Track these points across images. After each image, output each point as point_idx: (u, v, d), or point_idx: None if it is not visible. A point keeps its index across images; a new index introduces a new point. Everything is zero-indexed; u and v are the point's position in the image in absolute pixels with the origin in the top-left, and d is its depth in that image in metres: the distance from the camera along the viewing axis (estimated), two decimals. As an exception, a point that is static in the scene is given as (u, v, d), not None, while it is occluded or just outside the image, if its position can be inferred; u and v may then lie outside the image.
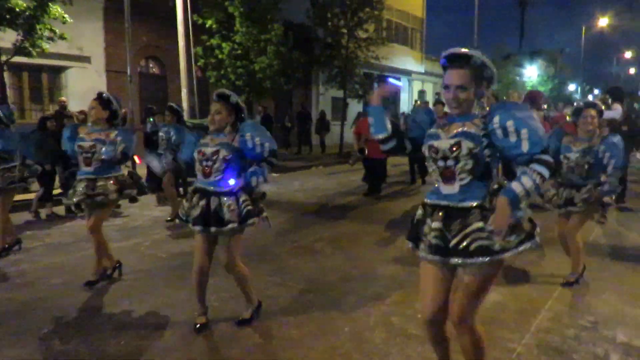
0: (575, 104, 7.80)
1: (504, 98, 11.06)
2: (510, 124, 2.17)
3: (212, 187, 3.31)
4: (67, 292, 4.22)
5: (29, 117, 12.45)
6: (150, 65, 15.81)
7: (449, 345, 2.58)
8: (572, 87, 43.03)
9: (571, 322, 3.63)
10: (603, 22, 40.16)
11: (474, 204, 2.24)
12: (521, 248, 2.23)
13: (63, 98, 9.56)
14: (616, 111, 7.56)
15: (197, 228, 3.30)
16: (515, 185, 2.16)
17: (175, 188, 7.43)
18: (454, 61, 2.30)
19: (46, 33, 8.90)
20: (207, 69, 14.12)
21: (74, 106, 10.32)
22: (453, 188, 2.28)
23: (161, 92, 15.49)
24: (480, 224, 2.20)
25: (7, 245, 5.31)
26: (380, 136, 2.53)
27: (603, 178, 4.15)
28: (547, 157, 2.17)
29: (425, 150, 2.39)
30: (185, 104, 12.44)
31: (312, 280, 4.57)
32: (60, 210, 7.54)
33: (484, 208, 2.23)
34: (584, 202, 4.18)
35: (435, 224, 2.28)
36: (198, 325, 3.47)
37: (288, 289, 4.33)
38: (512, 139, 2.17)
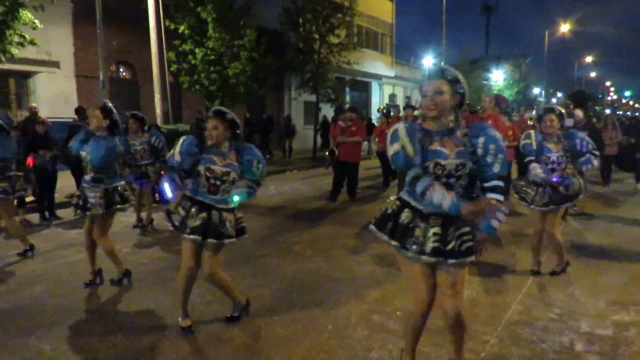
0: (534, 108, 8.22)
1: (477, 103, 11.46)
2: (492, 147, 2.54)
3: (218, 204, 3.46)
4: (51, 299, 4.24)
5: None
6: (121, 70, 15.67)
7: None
8: (536, 90, 44.42)
9: (539, 315, 3.88)
10: (565, 27, 41.67)
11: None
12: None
13: (34, 104, 9.39)
14: (569, 120, 7.76)
15: (194, 237, 3.38)
16: (495, 224, 2.50)
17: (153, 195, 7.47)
18: (432, 76, 2.62)
19: (16, 39, 8.78)
20: (180, 74, 14.08)
21: (43, 112, 10.17)
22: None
23: (133, 98, 15.36)
24: (468, 228, 2.58)
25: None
26: None
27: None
28: (501, 184, 2.59)
29: (430, 166, 2.55)
30: (158, 110, 12.41)
31: (294, 281, 4.70)
32: (34, 218, 7.46)
33: None
34: (565, 198, 4.59)
35: (436, 229, 2.56)
36: (184, 328, 3.58)
37: (271, 290, 4.45)
38: (489, 159, 2.55)
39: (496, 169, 2.55)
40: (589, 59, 62.07)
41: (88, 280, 4.58)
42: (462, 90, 2.57)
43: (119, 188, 4.49)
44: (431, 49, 29.61)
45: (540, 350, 3.31)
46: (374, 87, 27.54)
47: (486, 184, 2.58)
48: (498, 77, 34.22)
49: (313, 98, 18.68)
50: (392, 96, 29.13)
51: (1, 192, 5.18)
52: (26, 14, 8.64)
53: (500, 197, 2.56)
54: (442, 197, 2.46)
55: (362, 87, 26.16)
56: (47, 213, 7.57)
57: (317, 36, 17.68)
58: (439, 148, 2.56)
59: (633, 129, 12.49)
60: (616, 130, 10.62)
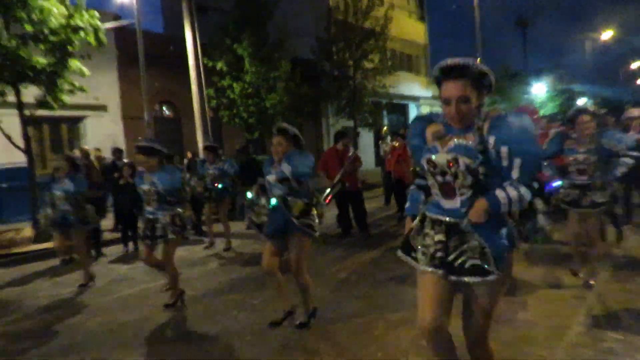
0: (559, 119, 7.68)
1: None
2: (504, 150, 2.09)
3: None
4: (104, 334, 4.33)
5: (51, 168, 12.81)
6: (164, 109, 16.29)
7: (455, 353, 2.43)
8: (581, 101, 42.95)
9: (603, 335, 3.62)
10: (606, 35, 40.45)
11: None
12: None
13: (86, 147, 10.02)
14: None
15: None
16: (498, 192, 2.13)
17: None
18: (451, 73, 2.19)
19: (66, 86, 9.27)
20: (220, 109, 14.50)
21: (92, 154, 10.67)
22: (454, 203, 2.24)
23: (176, 134, 15.90)
24: (475, 242, 2.18)
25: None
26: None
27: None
28: (533, 184, 2.19)
29: (423, 163, 2.31)
30: (200, 144, 12.77)
31: (339, 308, 4.61)
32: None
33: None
34: (597, 204, 4.45)
35: (439, 237, 2.25)
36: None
37: (316, 319, 4.35)
38: (504, 163, 2.12)
39: (515, 175, 2.10)
40: (635, 65, 59.78)
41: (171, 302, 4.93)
42: (489, 82, 2.18)
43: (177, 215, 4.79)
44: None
45: (607, 374, 3.09)
46: (412, 108, 27.41)
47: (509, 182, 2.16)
48: (539, 90, 33.39)
49: (351, 124, 18.77)
50: (431, 116, 28.85)
51: (79, 222, 5.77)
52: (75, 63, 9.13)
53: (527, 193, 2.13)
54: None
55: (399, 109, 26.08)
56: (130, 244, 8.15)
57: (351, 63, 17.88)
58: (434, 144, 2.28)
59: None
60: None
